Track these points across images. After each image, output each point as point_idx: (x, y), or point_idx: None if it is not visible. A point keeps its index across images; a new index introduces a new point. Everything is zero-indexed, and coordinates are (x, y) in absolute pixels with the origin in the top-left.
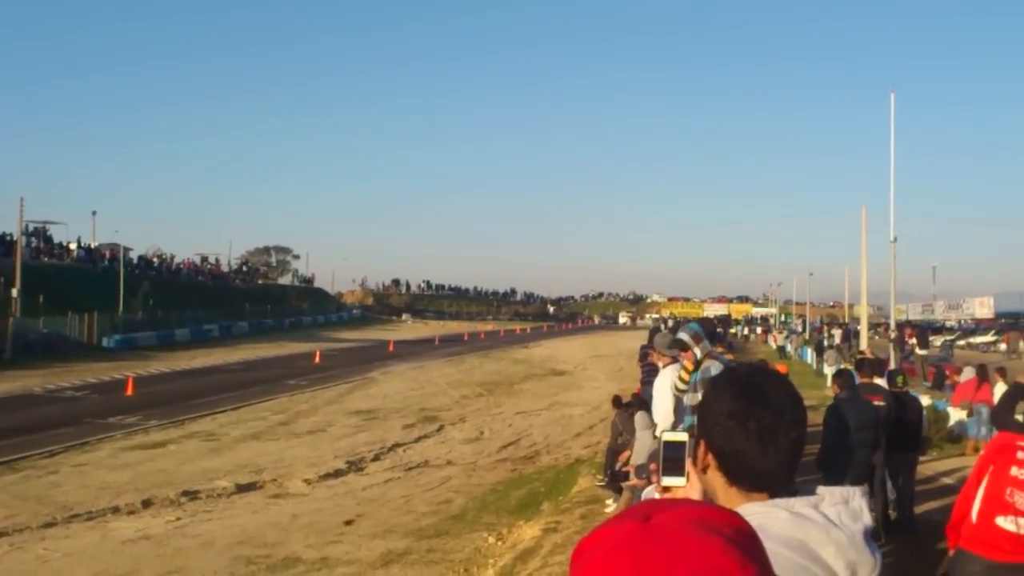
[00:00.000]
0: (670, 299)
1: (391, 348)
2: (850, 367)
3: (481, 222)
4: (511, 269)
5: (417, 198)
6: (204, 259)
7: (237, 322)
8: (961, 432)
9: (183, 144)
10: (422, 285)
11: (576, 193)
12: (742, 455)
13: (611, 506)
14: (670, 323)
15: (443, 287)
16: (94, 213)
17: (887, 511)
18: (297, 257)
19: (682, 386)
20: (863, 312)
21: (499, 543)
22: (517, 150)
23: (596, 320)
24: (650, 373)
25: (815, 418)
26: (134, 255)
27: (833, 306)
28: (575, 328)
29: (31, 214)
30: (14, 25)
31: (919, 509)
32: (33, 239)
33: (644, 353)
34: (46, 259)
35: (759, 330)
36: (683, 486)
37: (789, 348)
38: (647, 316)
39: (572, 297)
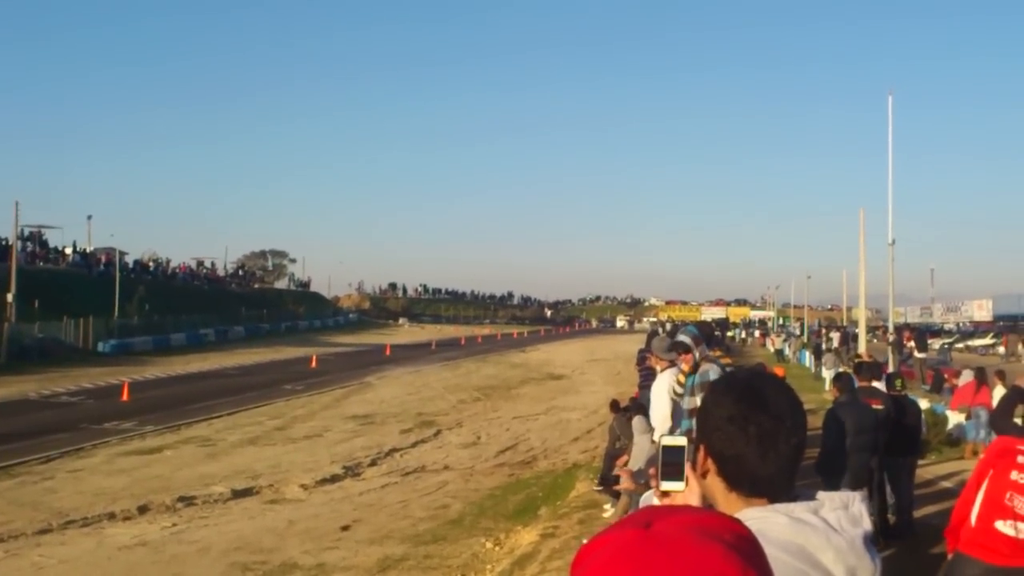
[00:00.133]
0: (668, 302)
1: (388, 352)
2: (849, 370)
3: (478, 225)
4: (508, 272)
5: (413, 202)
6: (200, 263)
7: (233, 326)
8: (960, 435)
9: (179, 148)
10: (419, 289)
11: (573, 196)
12: (742, 460)
13: (609, 511)
14: (668, 327)
15: (440, 291)
16: (89, 217)
17: (886, 515)
18: (293, 261)
19: (679, 389)
20: (861, 315)
21: (497, 548)
22: (514, 153)
23: (593, 324)
24: (648, 377)
25: (814, 422)
26: (130, 259)
27: (831, 309)
28: (572, 332)
29: (27, 218)
30: (11, 27)
31: (918, 513)
32: (29, 243)
33: (642, 357)
34: (42, 264)
35: (757, 333)
36: (682, 490)
37: (787, 351)
38: (644, 320)
39: (569, 301)
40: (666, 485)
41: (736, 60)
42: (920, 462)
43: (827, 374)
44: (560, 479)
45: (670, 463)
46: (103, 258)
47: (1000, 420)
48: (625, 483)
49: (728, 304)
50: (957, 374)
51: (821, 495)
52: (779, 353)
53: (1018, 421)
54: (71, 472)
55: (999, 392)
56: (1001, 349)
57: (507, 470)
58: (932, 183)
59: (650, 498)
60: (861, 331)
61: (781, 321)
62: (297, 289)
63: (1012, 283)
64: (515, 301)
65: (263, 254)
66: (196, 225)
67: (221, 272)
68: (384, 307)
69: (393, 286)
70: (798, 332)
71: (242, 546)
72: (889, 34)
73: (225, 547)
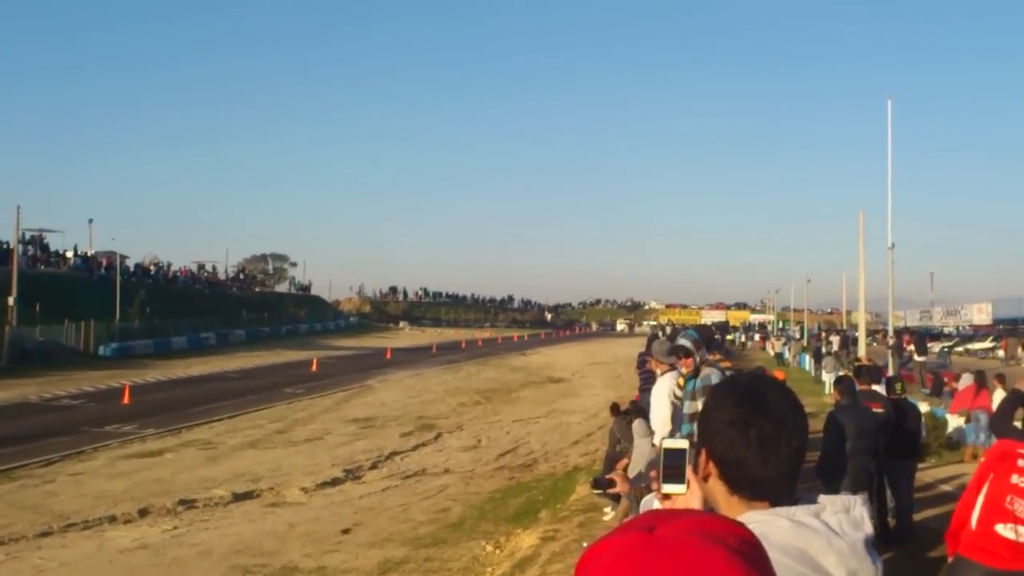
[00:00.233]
0: (668, 306)
1: (388, 356)
2: (849, 374)
3: (479, 229)
4: (509, 276)
5: (414, 205)
6: (201, 267)
7: (234, 330)
8: (960, 439)
9: (180, 151)
10: (419, 292)
11: (574, 199)
12: (743, 463)
13: (609, 514)
14: (668, 330)
15: (440, 294)
16: (90, 221)
17: (886, 519)
18: (294, 264)
19: (680, 393)
20: (861, 318)
21: (497, 552)
22: (514, 156)
23: (594, 327)
24: (648, 380)
25: (814, 425)
26: (131, 263)
27: (831, 312)
28: (572, 335)
29: (28, 222)
30: (10, 29)
31: (918, 516)
32: (30, 247)
33: (642, 360)
34: (43, 267)
35: (757, 337)
36: (683, 493)
37: (787, 355)
38: (644, 323)
39: (569, 304)
40: (667, 488)
41: (736, 63)
42: (920, 466)
43: (827, 378)
44: (560, 482)
45: (671, 466)
46: (104, 261)
47: (1000, 424)
48: (620, 486)
49: (728, 308)
50: (957, 378)
51: (822, 498)
52: (779, 357)
53: (1018, 424)
54: (72, 475)
55: (999, 396)
56: (1001, 352)
57: (507, 473)
58: (932, 186)
59: (652, 501)
60: (861, 335)
61: (781, 325)
62: (298, 293)
63: (1012, 287)
64: (515, 305)
65: (264, 257)
66: (197, 229)
67: (222, 275)
68: (385, 310)
69: (394, 290)
70: (798, 336)
71: (243, 549)
72: (889, 37)
73: (226, 550)
